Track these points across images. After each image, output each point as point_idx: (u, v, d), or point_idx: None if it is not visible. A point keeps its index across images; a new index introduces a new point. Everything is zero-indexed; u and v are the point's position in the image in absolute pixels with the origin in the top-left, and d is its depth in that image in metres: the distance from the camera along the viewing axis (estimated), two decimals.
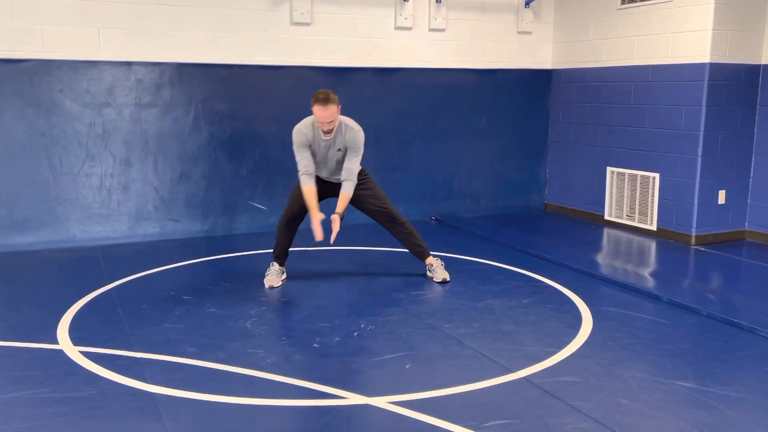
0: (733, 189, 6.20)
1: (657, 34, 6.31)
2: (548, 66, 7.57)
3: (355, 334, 3.88)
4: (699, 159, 6.02)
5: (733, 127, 6.10)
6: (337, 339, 3.80)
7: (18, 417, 2.88)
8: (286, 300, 4.47)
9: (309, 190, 4.63)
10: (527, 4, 7.26)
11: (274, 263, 4.90)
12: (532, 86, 7.54)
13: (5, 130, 5.61)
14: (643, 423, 2.89)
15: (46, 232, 5.80)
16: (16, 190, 5.69)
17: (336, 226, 4.52)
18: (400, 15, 6.77)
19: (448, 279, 4.88)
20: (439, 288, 4.77)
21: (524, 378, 3.31)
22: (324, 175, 4.83)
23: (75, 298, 4.43)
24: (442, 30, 6.99)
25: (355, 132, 4.67)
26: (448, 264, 5.09)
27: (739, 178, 6.22)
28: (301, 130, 4.66)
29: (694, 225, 6.11)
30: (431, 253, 5.03)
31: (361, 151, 4.72)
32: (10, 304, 4.34)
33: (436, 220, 7.07)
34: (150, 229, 6.14)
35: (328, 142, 4.66)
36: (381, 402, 3.04)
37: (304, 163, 4.65)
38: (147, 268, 5.15)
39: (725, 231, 6.24)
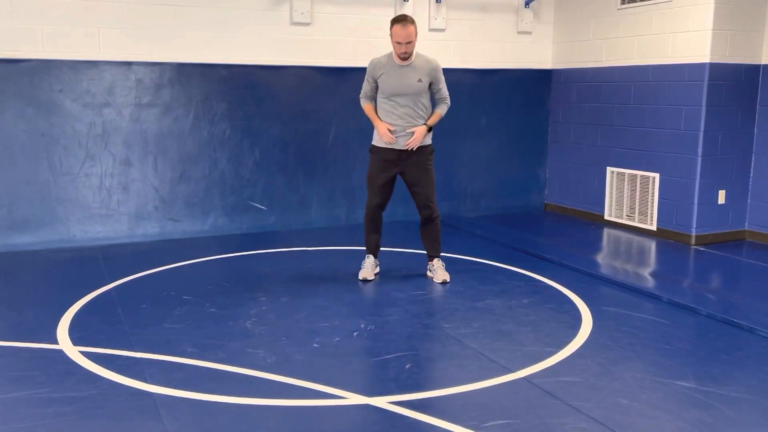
0: (733, 189, 6.20)
1: (657, 34, 6.31)
2: (548, 66, 7.57)
3: (355, 334, 3.88)
4: (699, 159, 6.01)
5: (733, 127, 6.10)
6: (337, 339, 3.80)
7: (18, 417, 2.88)
8: (286, 300, 4.47)
9: (368, 107, 4.81)
10: (527, 4, 7.26)
11: (369, 256, 5.00)
12: (532, 86, 7.53)
13: (5, 130, 5.61)
14: (643, 423, 2.89)
15: (46, 232, 5.80)
16: (16, 190, 5.69)
17: (418, 134, 4.65)
18: None
19: (449, 280, 4.89)
20: (439, 288, 4.77)
21: (524, 378, 3.31)
22: (398, 113, 4.67)
23: (75, 298, 4.43)
24: (442, 30, 6.99)
25: (433, 61, 4.75)
26: (449, 264, 5.09)
27: (739, 178, 6.22)
28: (374, 60, 4.77)
29: (694, 225, 6.11)
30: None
31: (443, 78, 4.80)
32: (10, 304, 4.34)
33: None
34: (150, 229, 6.14)
35: (405, 70, 4.65)
36: (381, 402, 3.04)
37: (366, 89, 4.82)
38: (147, 268, 5.15)
39: (725, 231, 6.24)
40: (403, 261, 5.42)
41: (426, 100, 4.76)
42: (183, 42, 6.04)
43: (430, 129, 4.76)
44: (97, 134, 5.89)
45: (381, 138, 4.71)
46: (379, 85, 4.72)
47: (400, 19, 4.56)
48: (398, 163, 4.77)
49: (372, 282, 4.89)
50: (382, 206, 4.93)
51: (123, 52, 5.87)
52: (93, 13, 5.73)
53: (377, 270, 5.01)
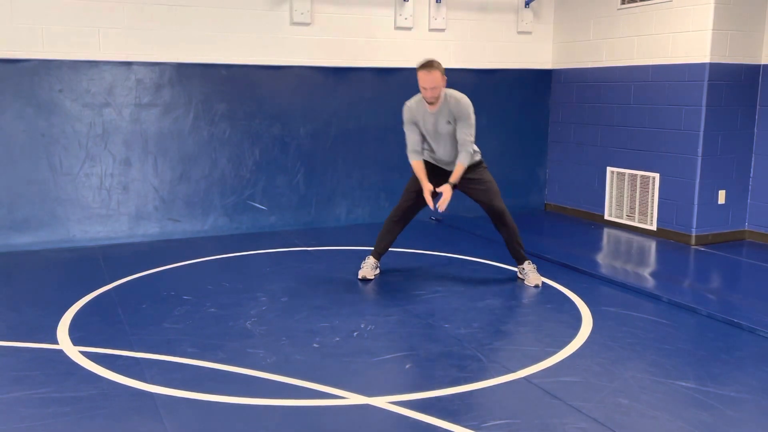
0: (733, 189, 6.20)
1: (657, 34, 6.31)
2: (548, 66, 7.56)
3: (355, 334, 3.88)
4: (699, 159, 6.02)
5: (733, 127, 6.10)
6: (337, 339, 3.80)
7: (18, 417, 2.88)
8: (286, 300, 4.47)
9: (417, 165, 4.73)
10: (527, 4, 7.26)
11: (371, 257, 4.98)
12: (532, 86, 7.53)
13: (5, 130, 5.61)
14: (643, 423, 2.89)
15: (46, 232, 5.80)
16: (16, 190, 5.69)
17: (446, 196, 4.61)
18: (400, 15, 6.77)
19: (540, 284, 4.83)
20: (439, 288, 4.77)
21: (524, 378, 3.31)
22: (440, 154, 4.77)
23: (75, 298, 4.43)
24: (442, 30, 6.99)
25: (459, 100, 4.62)
26: (449, 263, 5.10)
27: (739, 178, 6.22)
28: (408, 106, 4.72)
29: (694, 225, 6.11)
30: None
31: (472, 121, 4.66)
32: (10, 304, 4.34)
33: (436, 220, 7.07)
34: (150, 229, 6.14)
35: (435, 116, 4.63)
36: (381, 402, 3.04)
37: (410, 140, 4.75)
38: (147, 268, 5.15)
39: (725, 231, 6.24)
40: (403, 260, 5.42)
41: None
42: (183, 42, 6.04)
43: (454, 186, 4.68)
44: (97, 134, 5.89)
45: (426, 199, 4.66)
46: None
47: (424, 64, 4.49)
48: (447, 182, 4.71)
49: (372, 282, 4.89)
50: (410, 215, 4.91)
51: (123, 52, 5.87)
52: (93, 13, 5.73)
53: (377, 271, 5.00)
